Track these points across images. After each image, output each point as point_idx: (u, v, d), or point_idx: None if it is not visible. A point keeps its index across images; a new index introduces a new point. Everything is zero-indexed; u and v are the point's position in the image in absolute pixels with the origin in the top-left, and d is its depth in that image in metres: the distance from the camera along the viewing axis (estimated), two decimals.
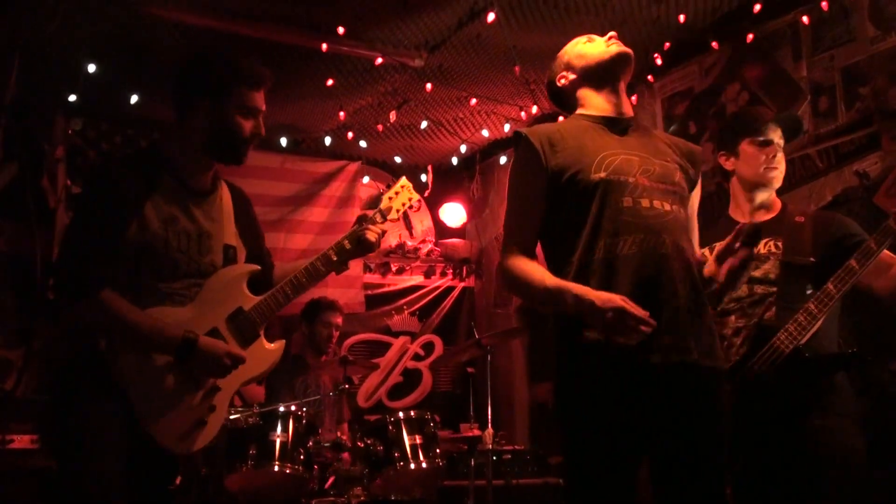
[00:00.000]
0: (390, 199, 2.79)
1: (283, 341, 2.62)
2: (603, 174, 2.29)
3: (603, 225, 2.25)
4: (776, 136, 2.99)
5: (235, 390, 2.52)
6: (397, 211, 2.78)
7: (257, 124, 2.50)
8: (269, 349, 2.58)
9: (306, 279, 2.57)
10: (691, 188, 2.46)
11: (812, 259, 2.80)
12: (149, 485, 2.37)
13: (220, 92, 2.43)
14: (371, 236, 2.64)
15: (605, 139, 2.38)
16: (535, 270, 2.31)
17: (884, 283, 2.79)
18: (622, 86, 2.49)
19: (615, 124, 2.43)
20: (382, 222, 2.71)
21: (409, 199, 2.82)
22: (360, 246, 2.64)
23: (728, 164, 3.06)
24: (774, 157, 2.97)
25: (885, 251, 2.72)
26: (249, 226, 2.69)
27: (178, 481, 2.42)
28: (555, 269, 2.31)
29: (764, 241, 2.91)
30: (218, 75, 2.45)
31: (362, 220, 2.68)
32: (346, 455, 4.42)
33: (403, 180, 2.86)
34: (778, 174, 2.98)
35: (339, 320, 5.26)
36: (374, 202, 2.66)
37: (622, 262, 2.22)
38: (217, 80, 2.44)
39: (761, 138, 2.98)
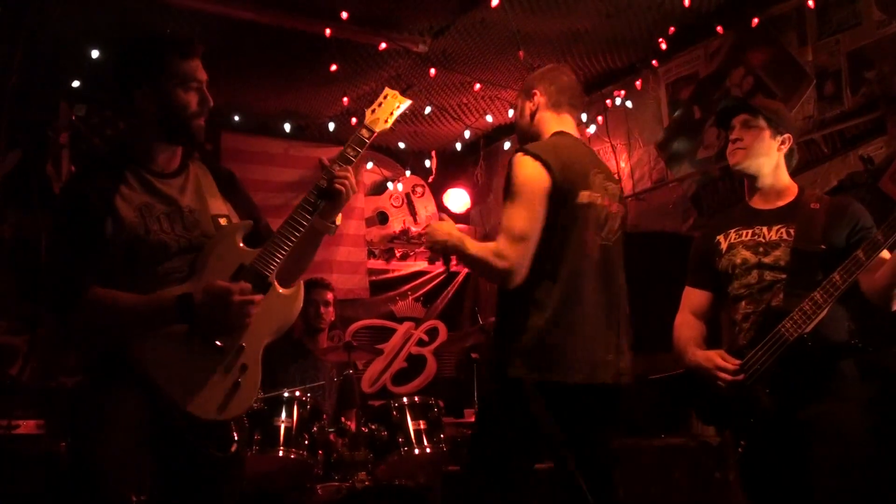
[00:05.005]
0: (373, 111, 2.62)
1: (301, 283, 2.48)
2: None
3: None
4: (731, 118, 2.99)
5: (264, 346, 2.41)
6: (385, 121, 2.59)
7: (203, 97, 2.41)
8: (286, 294, 2.45)
9: (300, 216, 2.44)
10: None
11: (822, 247, 2.76)
12: (207, 457, 2.34)
13: (154, 73, 2.36)
14: (337, 180, 2.52)
15: None
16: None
17: (868, 282, 2.72)
18: None
19: None
20: (370, 136, 2.56)
21: (398, 105, 2.60)
22: (329, 188, 2.52)
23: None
24: (735, 139, 2.95)
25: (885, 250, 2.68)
26: (239, 196, 2.62)
27: (233, 448, 2.37)
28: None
29: (776, 227, 2.87)
30: (145, 57, 2.39)
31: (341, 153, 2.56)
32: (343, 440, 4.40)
33: (387, 89, 2.62)
34: (736, 150, 2.94)
35: (328, 296, 5.08)
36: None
37: None
38: (146, 63, 2.37)
39: (719, 127, 3.11)
